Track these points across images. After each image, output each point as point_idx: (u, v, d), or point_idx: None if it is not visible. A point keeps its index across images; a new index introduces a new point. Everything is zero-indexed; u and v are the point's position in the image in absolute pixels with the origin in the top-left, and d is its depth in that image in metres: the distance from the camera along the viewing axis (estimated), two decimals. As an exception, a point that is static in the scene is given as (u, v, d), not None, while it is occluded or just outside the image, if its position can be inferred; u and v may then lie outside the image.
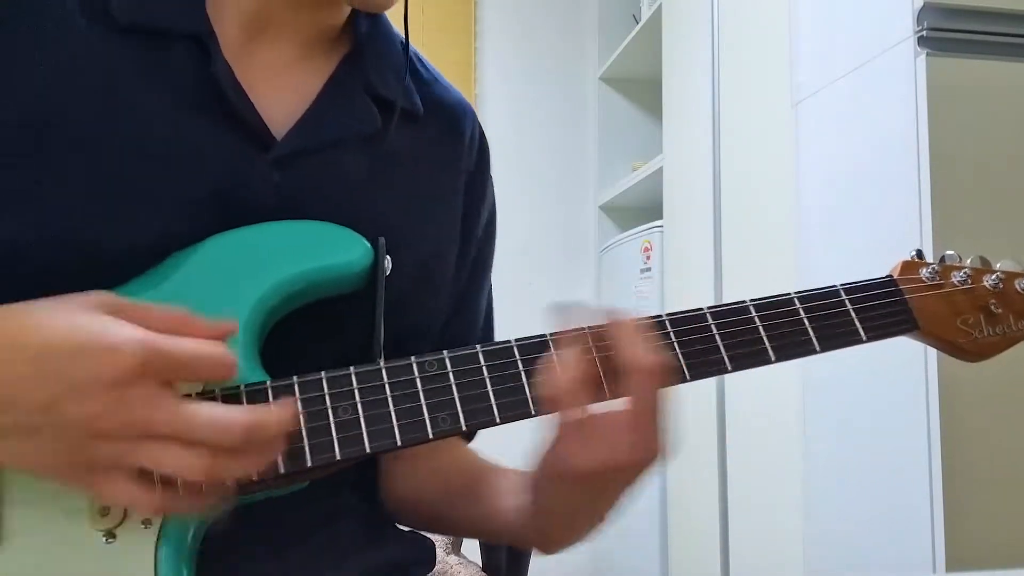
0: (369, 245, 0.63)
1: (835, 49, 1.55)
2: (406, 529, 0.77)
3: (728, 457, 1.91)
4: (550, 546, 0.66)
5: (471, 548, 0.93)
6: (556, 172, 3.12)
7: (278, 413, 0.51)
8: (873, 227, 1.41)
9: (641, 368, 0.55)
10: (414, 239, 0.70)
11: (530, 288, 3.00)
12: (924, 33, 1.30)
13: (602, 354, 0.57)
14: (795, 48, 1.69)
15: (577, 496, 0.59)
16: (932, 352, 1.25)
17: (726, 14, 2.02)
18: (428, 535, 0.78)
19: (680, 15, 2.35)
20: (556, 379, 0.56)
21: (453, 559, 0.92)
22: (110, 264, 0.57)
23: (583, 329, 0.58)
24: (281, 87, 0.67)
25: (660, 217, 2.40)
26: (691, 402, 2.14)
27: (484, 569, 0.88)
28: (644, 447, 0.55)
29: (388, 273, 0.65)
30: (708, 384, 1.95)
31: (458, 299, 0.78)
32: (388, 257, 0.64)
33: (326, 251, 0.62)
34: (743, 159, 1.92)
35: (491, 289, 0.84)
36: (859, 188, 1.46)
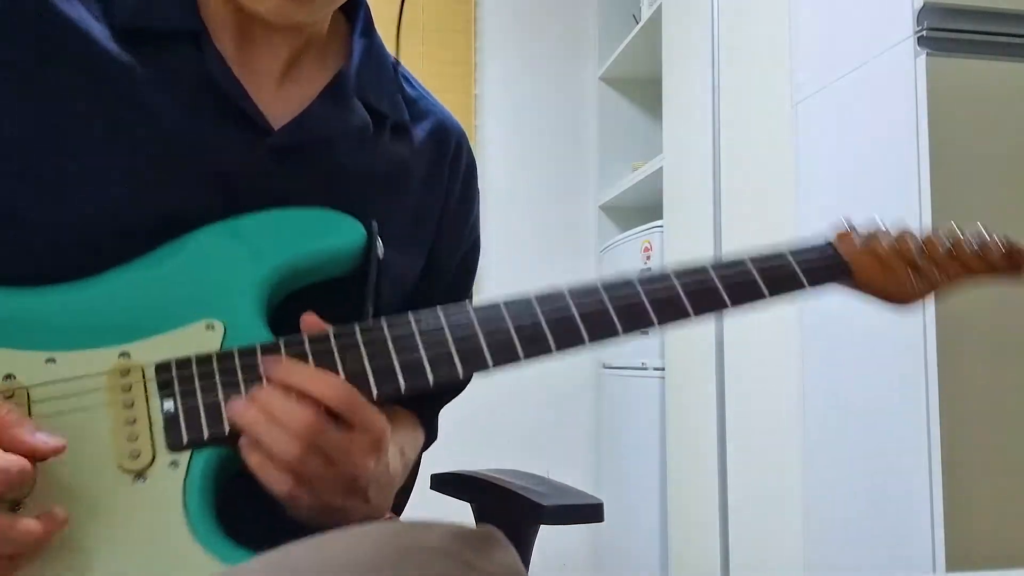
0: (363, 228, 0.69)
1: (835, 49, 1.56)
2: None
3: (728, 455, 1.91)
4: None
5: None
6: (556, 172, 3.12)
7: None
8: (873, 227, 1.41)
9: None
10: (404, 236, 0.76)
11: (530, 288, 3.00)
12: (924, 33, 1.31)
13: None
14: (795, 48, 1.69)
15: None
16: (932, 351, 1.25)
17: (726, 14, 2.02)
18: None
19: (680, 15, 2.35)
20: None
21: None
22: (134, 242, 0.64)
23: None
24: (279, 93, 0.73)
25: (660, 217, 2.40)
26: (691, 402, 2.14)
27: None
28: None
29: (382, 256, 0.70)
30: (708, 382, 1.96)
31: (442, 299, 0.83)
32: (380, 239, 0.70)
33: (325, 232, 0.68)
34: (743, 159, 1.92)
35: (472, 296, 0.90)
36: (859, 188, 1.46)
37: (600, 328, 0.65)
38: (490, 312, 0.65)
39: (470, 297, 0.89)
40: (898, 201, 1.33)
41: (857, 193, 1.46)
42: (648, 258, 2.48)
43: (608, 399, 2.84)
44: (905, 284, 0.73)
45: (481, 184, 0.89)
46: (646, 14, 2.68)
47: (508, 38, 3.13)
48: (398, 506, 0.87)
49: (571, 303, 0.66)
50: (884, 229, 0.75)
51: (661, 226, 2.39)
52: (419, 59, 2.95)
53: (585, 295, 0.66)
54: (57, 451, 0.54)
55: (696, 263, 0.69)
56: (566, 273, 3.11)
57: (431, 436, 0.86)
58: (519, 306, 0.66)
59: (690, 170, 2.21)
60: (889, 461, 1.35)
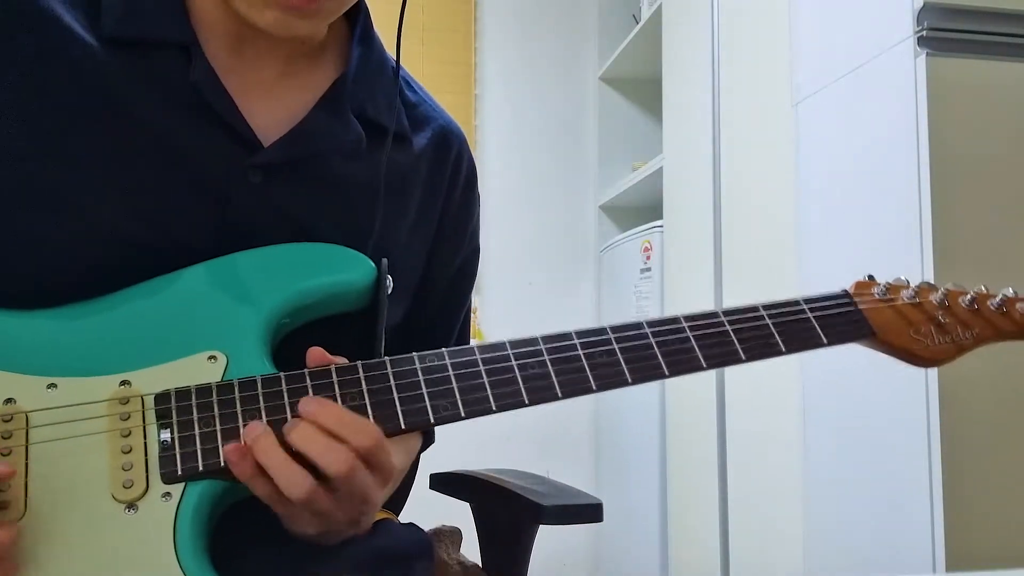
0: (373, 265, 0.68)
1: (835, 49, 1.56)
2: (404, 522, 0.79)
3: (728, 457, 1.91)
4: None
5: (471, 549, 0.93)
6: (556, 172, 3.12)
7: None
8: (873, 227, 1.41)
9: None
10: (402, 252, 0.75)
11: (530, 288, 3.00)
12: (924, 33, 1.30)
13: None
14: (795, 48, 1.69)
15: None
16: (932, 352, 1.25)
17: (726, 14, 2.02)
18: (424, 530, 0.79)
19: (680, 15, 2.35)
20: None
21: (453, 559, 0.92)
22: (129, 254, 0.64)
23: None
24: (272, 102, 0.71)
25: (660, 217, 2.40)
26: (691, 402, 2.14)
27: (484, 568, 0.88)
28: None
29: (390, 292, 0.69)
30: (708, 384, 1.96)
31: (435, 313, 0.83)
32: (389, 276, 0.69)
33: (335, 268, 0.67)
34: (743, 159, 1.92)
35: (469, 307, 0.89)
36: (859, 188, 1.46)
37: (609, 379, 0.64)
38: (495, 355, 0.64)
39: (468, 302, 0.89)
40: (898, 201, 1.33)
41: (857, 193, 1.46)
42: (648, 258, 2.48)
43: (608, 399, 2.84)
44: (929, 343, 0.70)
45: (481, 184, 0.88)
46: (646, 14, 2.68)
47: (508, 38, 3.13)
48: (397, 506, 0.87)
49: (580, 351, 0.65)
50: (901, 283, 0.74)
51: (661, 226, 2.39)
52: (419, 59, 2.95)
53: (595, 343, 0.65)
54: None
55: (718, 327, 0.68)
56: (566, 273, 3.11)
57: (429, 439, 0.86)
58: (526, 350, 0.64)
59: (690, 170, 2.21)
60: (889, 461, 1.35)
